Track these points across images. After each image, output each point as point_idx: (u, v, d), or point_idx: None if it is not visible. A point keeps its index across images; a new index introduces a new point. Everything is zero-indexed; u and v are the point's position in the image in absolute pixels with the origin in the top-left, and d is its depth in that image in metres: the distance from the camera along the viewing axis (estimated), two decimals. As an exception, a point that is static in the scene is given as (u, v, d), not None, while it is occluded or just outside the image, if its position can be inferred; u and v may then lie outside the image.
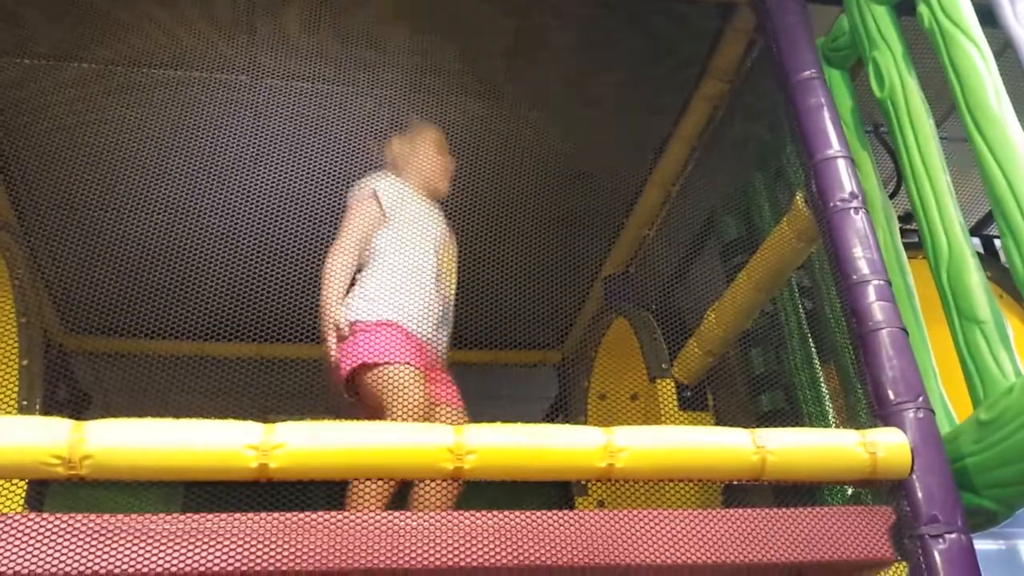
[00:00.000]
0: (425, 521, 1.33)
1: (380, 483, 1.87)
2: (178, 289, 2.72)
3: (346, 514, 1.31)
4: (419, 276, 2.15)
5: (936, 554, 1.37)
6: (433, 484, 1.88)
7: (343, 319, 2.07)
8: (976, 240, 3.16)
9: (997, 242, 2.99)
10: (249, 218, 2.58)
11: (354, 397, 2.07)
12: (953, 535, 1.38)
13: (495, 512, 1.37)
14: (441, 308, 2.16)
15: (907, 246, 1.91)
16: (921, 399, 1.52)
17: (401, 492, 1.91)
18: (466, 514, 1.35)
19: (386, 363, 2.00)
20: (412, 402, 1.95)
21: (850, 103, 2.08)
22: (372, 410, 2.02)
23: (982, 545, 1.44)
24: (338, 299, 2.11)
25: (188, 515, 1.28)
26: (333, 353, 2.07)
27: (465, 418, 2.10)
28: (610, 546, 1.34)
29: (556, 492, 2.85)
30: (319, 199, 2.33)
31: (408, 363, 2.01)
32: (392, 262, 2.15)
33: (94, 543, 1.23)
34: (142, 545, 1.25)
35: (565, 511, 1.37)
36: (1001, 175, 1.57)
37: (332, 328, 2.08)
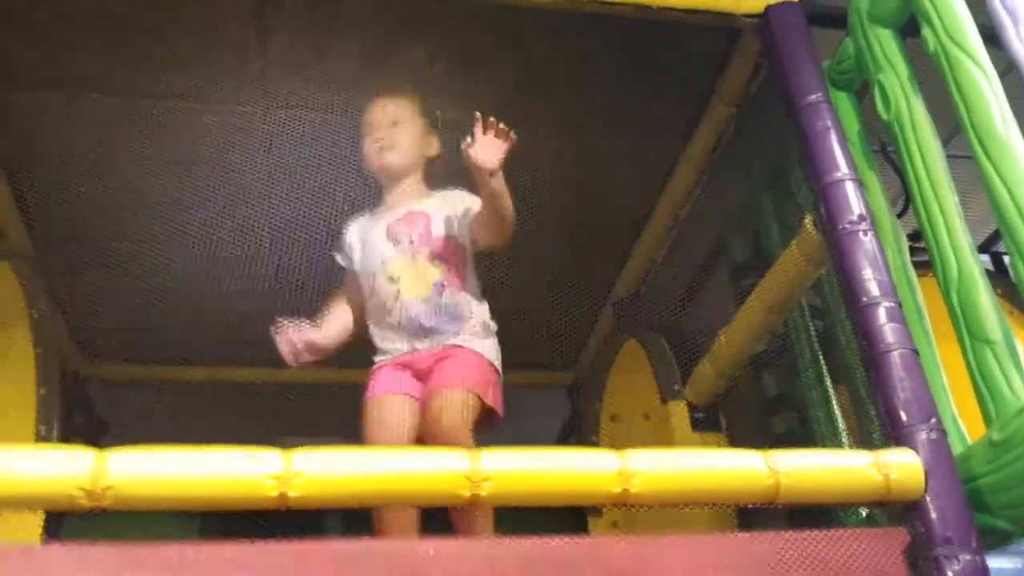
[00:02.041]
0: (443, 548, 1.34)
1: (408, 509, 1.88)
2: (192, 316, 2.75)
3: (363, 541, 1.32)
4: (374, 304, 2.15)
5: (951, 574, 1.37)
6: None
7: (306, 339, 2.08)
8: (985, 257, 3.17)
9: (1007, 258, 3.00)
10: (261, 244, 2.62)
11: None
12: (967, 556, 1.38)
13: (514, 538, 1.38)
14: (401, 333, 2.11)
15: (916, 265, 1.93)
16: (933, 420, 1.53)
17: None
18: (484, 540, 1.36)
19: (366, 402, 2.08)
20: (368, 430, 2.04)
21: (857, 125, 2.10)
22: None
23: (996, 564, 1.45)
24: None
25: (206, 543, 1.29)
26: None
27: (461, 398, 1.99)
28: (629, 571, 1.35)
29: (569, 512, 2.85)
30: (329, 224, 2.35)
31: (377, 394, 2.07)
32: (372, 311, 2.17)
33: (115, 572, 1.24)
34: (162, 574, 1.26)
35: (583, 536, 1.38)
36: (1008, 195, 1.59)
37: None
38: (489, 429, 2.04)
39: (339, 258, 2.25)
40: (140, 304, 2.84)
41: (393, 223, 2.17)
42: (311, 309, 2.17)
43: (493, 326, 2.16)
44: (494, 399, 2.05)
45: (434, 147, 2.27)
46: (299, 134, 2.53)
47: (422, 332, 2.09)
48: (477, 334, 2.11)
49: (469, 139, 1.91)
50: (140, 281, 2.74)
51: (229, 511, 1.31)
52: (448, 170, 2.23)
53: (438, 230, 2.15)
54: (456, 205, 2.18)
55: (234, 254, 2.64)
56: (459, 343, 2.08)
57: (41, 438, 2.42)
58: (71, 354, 2.99)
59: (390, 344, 2.12)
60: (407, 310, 2.09)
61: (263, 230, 2.55)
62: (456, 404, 1.97)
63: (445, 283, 2.10)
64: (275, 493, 1.28)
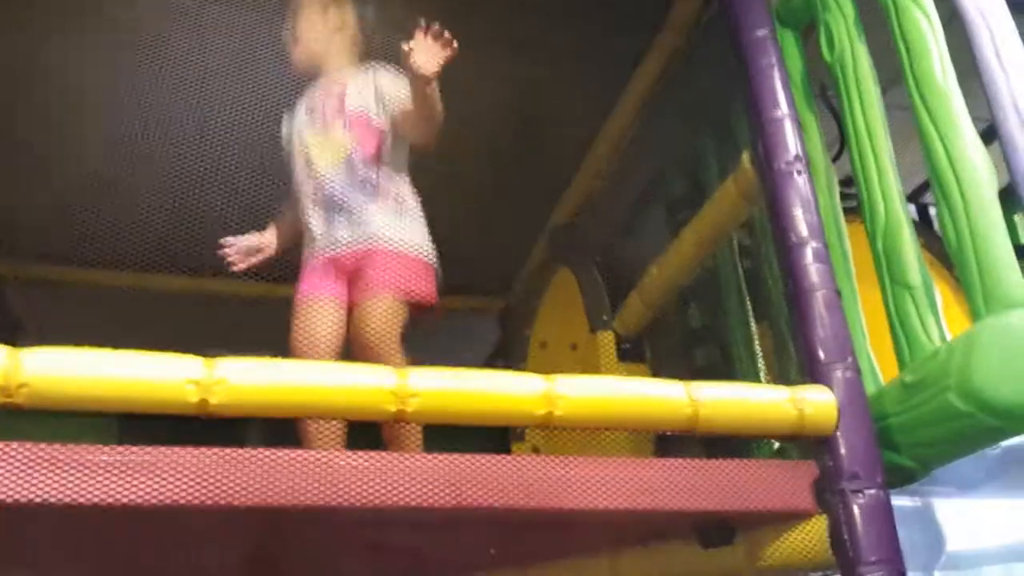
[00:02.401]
0: (364, 460, 1.34)
1: (332, 422, 1.88)
2: (116, 216, 2.65)
3: (284, 451, 1.31)
4: (297, 183, 2.12)
5: (855, 508, 1.43)
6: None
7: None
8: (912, 207, 3.24)
9: (932, 210, 3.08)
10: (192, 142, 2.52)
11: None
12: (872, 491, 1.44)
13: (436, 454, 1.39)
14: (317, 207, 2.07)
15: (846, 210, 1.96)
16: (850, 360, 1.58)
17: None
18: (407, 456, 1.37)
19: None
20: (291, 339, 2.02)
21: (800, 65, 2.09)
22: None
23: (899, 502, 1.52)
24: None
25: (124, 447, 1.27)
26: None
27: (385, 307, 1.98)
28: (547, 490, 1.37)
29: (493, 437, 2.88)
30: (262, 124, 2.27)
31: (304, 295, 2.04)
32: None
33: (27, 472, 1.22)
34: (77, 475, 1.23)
35: (504, 455, 1.39)
36: (941, 146, 1.61)
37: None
38: (428, 317, 2.05)
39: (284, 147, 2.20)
40: (60, 203, 2.73)
41: (312, 97, 2.15)
42: (241, 215, 2.12)
43: (414, 204, 2.11)
44: (425, 292, 2.02)
45: (350, 31, 2.21)
46: (233, 28, 2.42)
47: (336, 207, 2.04)
48: (395, 215, 2.06)
49: (411, 44, 1.88)
50: (58, 173, 2.63)
51: (149, 418, 1.29)
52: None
53: (352, 103, 2.11)
54: (380, 85, 2.12)
55: (162, 155, 2.54)
56: (379, 244, 2.02)
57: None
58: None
59: (313, 227, 2.07)
60: (320, 182, 2.06)
61: (193, 130, 2.45)
62: (380, 315, 1.95)
63: (356, 156, 2.06)
64: (196, 399, 1.26)
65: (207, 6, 2.36)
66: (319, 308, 2.02)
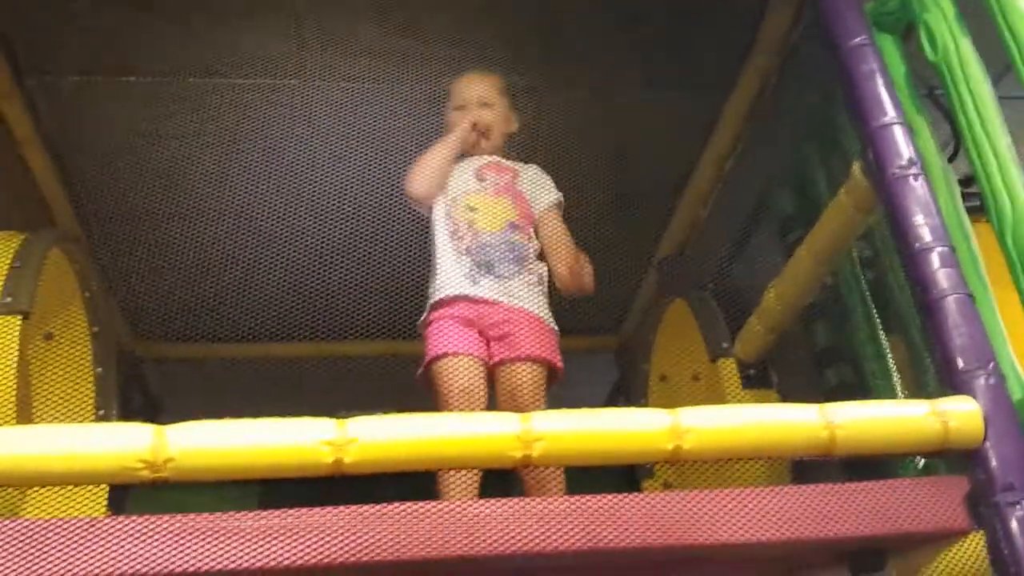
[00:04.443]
0: (498, 508, 1.34)
1: (466, 473, 1.90)
2: (243, 293, 2.78)
3: (420, 504, 1.33)
4: (438, 244, 2.19)
5: (1014, 521, 1.35)
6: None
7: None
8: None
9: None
10: (310, 219, 2.63)
11: None
12: (1031, 501, 1.36)
13: (568, 497, 1.38)
14: (468, 257, 2.15)
15: (969, 210, 1.88)
16: (991, 365, 1.50)
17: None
18: (539, 500, 1.36)
19: (428, 362, 2.09)
20: (445, 396, 2.04)
21: (903, 68, 2.03)
22: None
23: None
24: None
25: (266, 511, 1.32)
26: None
27: (530, 373, 2.08)
28: (683, 526, 1.34)
29: (622, 476, 2.85)
30: (382, 196, 2.35)
31: (447, 353, 2.06)
32: (437, 232, 2.21)
33: (177, 543, 1.27)
34: (224, 543, 1.28)
35: (636, 495, 1.38)
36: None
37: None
38: (554, 383, 2.14)
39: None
40: (188, 282, 2.88)
41: (483, 166, 2.29)
42: (353, 282, 2.19)
43: (547, 286, 2.22)
44: (558, 360, 2.14)
45: (514, 125, 2.39)
46: (336, 107, 2.54)
47: (486, 265, 2.14)
48: (537, 288, 2.18)
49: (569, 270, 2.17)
50: (187, 259, 2.78)
51: (287, 483, 1.33)
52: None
53: (522, 185, 2.28)
54: (536, 187, 2.31)
55: (278, 230, 2.66)
56: (524, 306, 2.13)
57: (100, 419, 2.47)
58: (124, 334, 3.05)
59: (451, 278, 2.14)
60: (478, 238, 2.16)
61: (306, 204, 2.56)
62: (535, 376, 2.07)
63: (518, 224, 2.21)
64: (330, 459, 1.29)
65: (309, 85, 2.48)
66: (467, 368, 2.07)
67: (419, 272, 2.22)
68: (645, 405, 3.06)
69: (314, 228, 2.64)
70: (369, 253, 2.37)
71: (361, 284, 2.23)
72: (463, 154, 2.31)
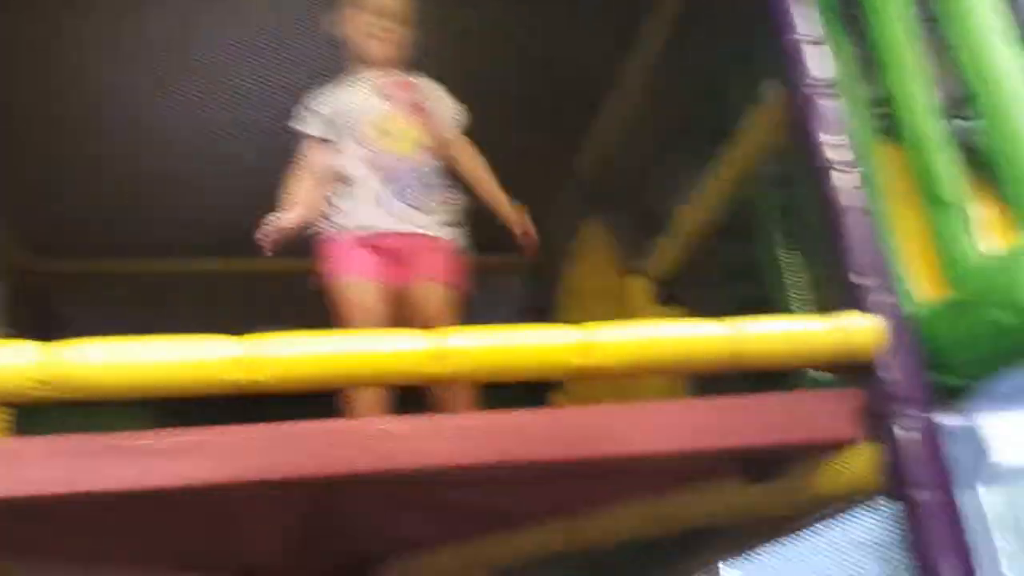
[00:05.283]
0: (406, 424, 1.34)
1: (374, 390, 1.93)
2: (147, 208, 2.68)
3: (322, 421, 1.32)
4: (348, 167, 2.15)
5: (904, 432, 1.40)
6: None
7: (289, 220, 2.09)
8: (949, 123, 3.14)
9: (971, 124, 2.98)
10: (216, 133, 2.53)
11: None
12: (920, 414, 1.42)
13: (476, 413, 1.39)
14: (380, 183, 2.13)
15: (879, 130, 1.90)
16: (890, 283, 1.54)
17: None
18: (448, 416, 1.37)
19: (331, 279, 2.11)
20: (350, 316, 2.06)
21: (823, -16, 2.03)
22: None
23: (943, 420, 1.48)
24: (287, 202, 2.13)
25: (167, 430, 1.28)
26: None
27: (433, 293, 2.13)
28: (589, 440, 1.37)
29: (529, 389, 2.88)
30: (286, 112, 2.26)
31: (351, 274, 2.09)
32: (344, 176, 2.17)
33: (72, 463, 1.24)
34: (121, 462, 1.25)
35: (545, 409, 1.39)
36: (971, 57, 1.56)
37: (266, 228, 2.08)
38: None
39: (307, 127, 2.22)
40: (92, 197, 2.76)
41: (385, 83, 2.21)
42: (267, 198, 2.12)
43: (457, 206, 2.24)
44: (465, 282, 2.19)
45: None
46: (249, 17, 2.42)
47: (400, 193, 2.12)
48: (446, 210, 2.19)
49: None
50: (83, 172, 2.66)
51: (188, 403, 1.30)
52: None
53: (426, 103, 2.24)
54: (442, 105, 2.27)
55: (188, 144, 2.56)
56: (436, 233, 2.15)
57: (-4, 335, 2.38)
58: (21, 251, 2.92)
59: (366, 206, 2.12)
60: (394, 163, 2.12)
61: (219, 118, 2.46)
62: (442, 298, 2.12)
63: (429, 147, 2.19)
64: (235, 378, 1.26)
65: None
66: (369, 291, 2.08)
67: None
68: (558, 323, 3.08)
69: (223, 143, 2.54)
70: (279, 168, 2.29)
71: (265, 200, 2.15)
72: (358, 63, 2.25)
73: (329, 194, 2.17)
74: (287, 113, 2.24)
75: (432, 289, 2.12)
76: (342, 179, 2.16)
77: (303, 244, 2.15)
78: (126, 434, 1.27)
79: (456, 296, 2.16)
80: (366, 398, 1.95)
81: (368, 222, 2.13)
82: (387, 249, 2.12)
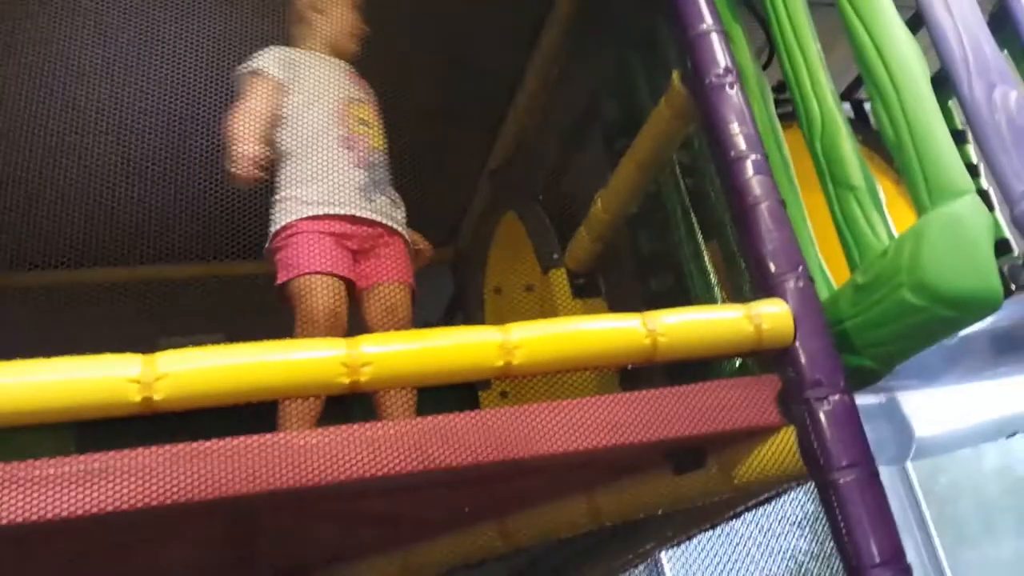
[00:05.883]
0: (325, 437, 1.31)
1: (303, 402, 1.85)
2: (36, 218, 2.55)
3: (241, 439, 1.27)
4: (323, 146, 2.05)
5: (821, 415, 1.42)
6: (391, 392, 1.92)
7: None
8: (847, 105, 3.23)
9: (867, 105, 3.07)
10: (102, 136, 2.42)
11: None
12: (836, 396, 1.44)
13: (396, 420, 1.37)
14: (363, 171, 2.07)
15: (781, 116, 1.93)
16: (800, 269, 1.56)
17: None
18: (367, 425, 1.33)
19: (290, 279, 1.97)
20: (311, 316, 1.93)
21: (720, -25, 2.05)
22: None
23: (864, 400, 1.52)
24: (244, 136, 1.98)
25: (73, 457, 1.23)
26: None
27: (404, 295, 2.09)
28: (513, 440, 1.35)
29: (461, 390, 2.86)
30: (179, 108, 2.18)
31: (313, 272, 1.96)
32: (294, 148, 2.05)
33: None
34: (29, 491, 1.19)
35: (467, 413, 1.37)
36: (869, 39, 1.59)
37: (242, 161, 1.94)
38: None
39: (265, 65, 2.10)
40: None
41: (351, 74, 2.19)
42: (161, 201, 2.04)
43: None
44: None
45: None
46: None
47: (377, 184, 2.08)
48: (401, 213, 2.16)
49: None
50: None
51: (107, 423, 1.24)
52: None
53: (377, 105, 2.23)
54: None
55: (74, 147, 2.44)
56: (401, 230, 2.13)
57: None
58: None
59: (342, 191, 2.02)
60: (371, 155, 2.08)
61: (103, 119, 2.35)
62: (406, 304, 2.07)
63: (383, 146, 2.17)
64: (138, 398, 1.21)
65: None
66: (342, 290, 1.99)
67: (232, 190, 2.08)
68: (482, 318, 3.07)
69: (112, 146, 2.43)
70: (180, 169, 2.21)
71: (176, 203, 2.08)
72: (326, 48, 2.21)
73: (282, 164, 2.06)
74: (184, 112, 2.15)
75: (400, 290, 2.06)
76: (304, 151, 2.04)
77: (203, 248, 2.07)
78: (26, 463, 1.20)
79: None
80: (296, 410, 1.86)
81: (341, 206, 2.02)
82: (358, 239, 2.03)
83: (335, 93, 2.11)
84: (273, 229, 2.05)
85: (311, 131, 2.05)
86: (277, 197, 2.06)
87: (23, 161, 2.46)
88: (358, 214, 2.03)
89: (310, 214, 2.01)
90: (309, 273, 1.96)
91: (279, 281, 2.00)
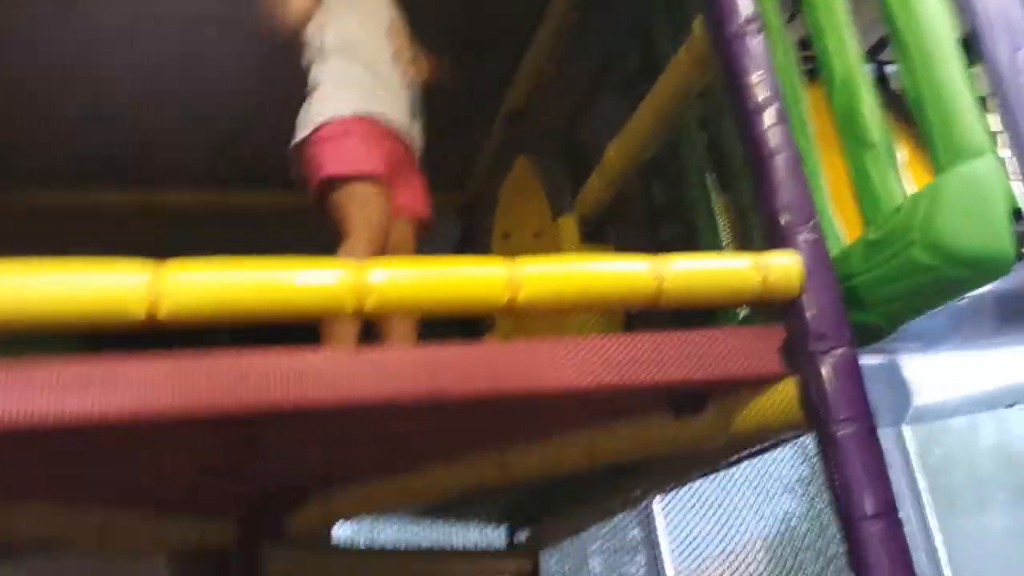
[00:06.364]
0: (333, 358, 1.31)
1: (341, 324, 1.81)
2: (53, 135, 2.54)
3: (243, 355, 1.27)
4: (378, 60, 2.02)
5: (824, 368, 1.43)
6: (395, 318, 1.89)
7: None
8: (870, 67, 3.18)
9: (887, 69, 3.03)
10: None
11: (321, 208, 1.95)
12: (840, 350, 1.44)
13: (402, 348, 1.37)
14: (408, 93, 2.07)
15: (803, 72, 1.91)
16: (813, 222, 1.55)
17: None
18: (376, 349, 1.34)
19: (348, 179, 1.86)
20: (369, 225, 1.86)
21: (750, -77, 2.01)
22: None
23: (866, 360, 1.52)
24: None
25: (76, 360, 1.23)
26: None
27: (420, 230, 2.11)
28: (518, 373, 1.35)
29: (466, 330, 2.87)
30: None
31: (372, 174, 1.88)
32: (346, 51, 2.00)
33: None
34: (33, 392, 1.19)
35: (472, 344, 1.37)
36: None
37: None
38: None
39: None
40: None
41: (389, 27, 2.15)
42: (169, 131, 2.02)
43: None
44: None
45: None
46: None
47: (412, 111, 2.07)
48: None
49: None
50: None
51: (109, 336, 1.24)
52: None
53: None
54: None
55: (87, 66, 2.42)
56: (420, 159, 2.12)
57: None
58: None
59: (376, 95, 1.98)
60: (413, 82, 2.09)
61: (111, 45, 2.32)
62: (417, 239, 2.08)
63: None
64: (144, 309, 1.21)
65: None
66: (387, 199, 1.93)
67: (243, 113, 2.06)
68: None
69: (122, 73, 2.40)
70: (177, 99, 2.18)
71: (186, 125, 2.06)
72: None
73: (332, 58, 2.00)
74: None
75: (413, 227, 2.06)
76: (357, 51, 2.00)
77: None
78: (27, 365, 1.20)
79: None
80: (339, 332, 1.82)
81: (396, 114, 1.97)
82: (396, 158, 1.98)
83: (384, 11, 2.11)
84: (317, 119, 1.93)
85: (367, 35, 2.02)
86: (323, 88, 1.95)
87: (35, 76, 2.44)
88: (404, 131, 2.00)
89: (367, 110, 1.91)
90: (370, 174, 1.87)
91: (328, 173, 1.87)
